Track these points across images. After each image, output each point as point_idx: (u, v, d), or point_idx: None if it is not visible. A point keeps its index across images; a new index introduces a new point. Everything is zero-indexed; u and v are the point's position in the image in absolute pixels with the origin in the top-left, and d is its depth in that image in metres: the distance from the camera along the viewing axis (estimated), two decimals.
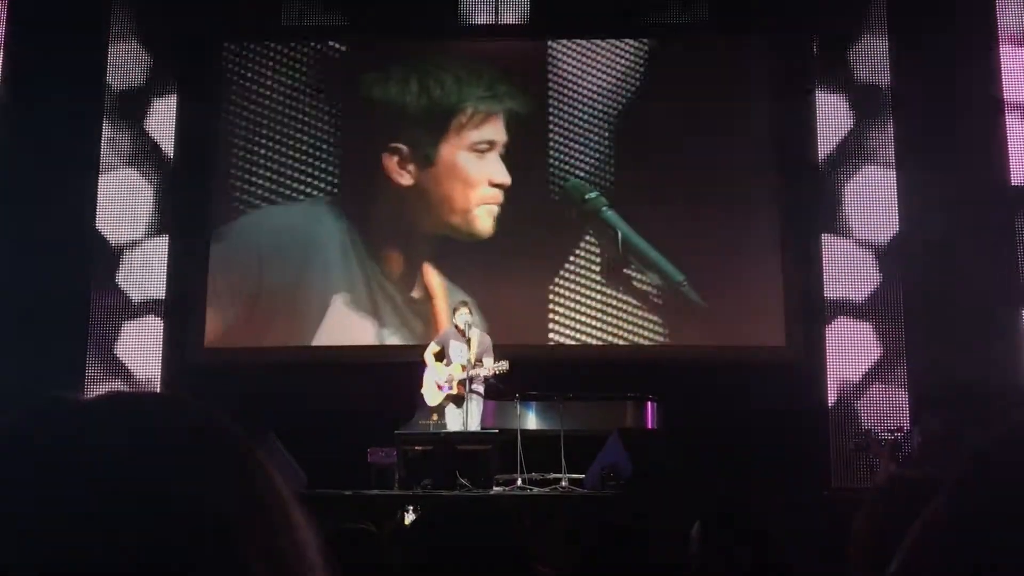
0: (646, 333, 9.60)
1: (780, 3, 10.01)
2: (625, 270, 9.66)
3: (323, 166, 9.94)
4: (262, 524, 0.61)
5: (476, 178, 9.76)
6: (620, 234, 9.64)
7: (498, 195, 9.72)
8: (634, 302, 9.63)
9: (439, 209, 9.74)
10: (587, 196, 9.71)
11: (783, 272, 9.64)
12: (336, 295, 9.63)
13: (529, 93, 9.95)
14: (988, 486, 0.70)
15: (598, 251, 9.72)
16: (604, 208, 9.69)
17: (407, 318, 9.61)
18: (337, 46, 10.18)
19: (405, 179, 9.78)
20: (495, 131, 9.86)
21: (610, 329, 9.65)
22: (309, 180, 9.92)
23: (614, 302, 9.65)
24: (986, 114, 9.33)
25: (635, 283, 9.64)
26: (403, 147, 9.81)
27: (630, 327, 9.62)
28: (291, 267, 9.66)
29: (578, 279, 9.72)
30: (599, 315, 9.65)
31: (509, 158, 9.80)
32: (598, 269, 9.70)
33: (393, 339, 9.58)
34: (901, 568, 0.76)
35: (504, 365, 7.90)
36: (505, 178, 9.72)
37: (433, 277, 9.65)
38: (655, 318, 9.61)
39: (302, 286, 9.64)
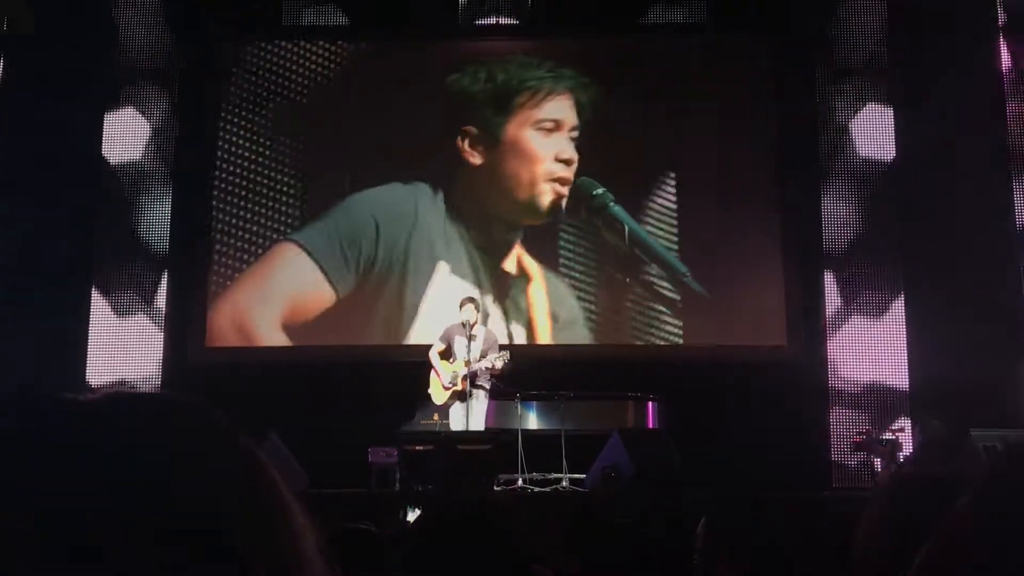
0: (648, 332, 9.59)
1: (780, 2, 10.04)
2: (624, 274, 9.67)
3: (408, 151, 9.98)
4: (262, 524, 0.61)
5: (541, 154, 9.83)
6: (627, 229, 9.66)
7: (567, 173, 9.75)
8: (637, 299, 9.63)
9: (508, 186, 9.84)
10: (595, 192, 9.74)
11: (785, 272, 9.63)
12: (440, 262, 9.74)
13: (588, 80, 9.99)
14: (1016, 487, 0.70)
15: (602, 245, 9.74)
16: (611, 204, 9.71)
17: (504, 292, 9.71)
18: (348, 46, 10.19)
19: (476, 159, 9.90)
20: (560, 110, 9.94)
21: (612, 328, 9.65)
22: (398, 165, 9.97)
23: (617, 300, 9.66)
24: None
25: (641, 278, 9.65)
26: (473, 129, 9.92)
27: (632, 326, 9.62)
28: (401, 236, 9.78)
29: (580, 277, 9.73)
30: (601, 313, 9.65)
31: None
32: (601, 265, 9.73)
33: (494, 308, 9.62)
34: (924, 568, 0.75)
35: (506, 356, 7.87)
36: (571, 154, 9.76)
37: (523, 257, 9.76)
38: (657, 316, 9.60)
39: (410, 253, 9.75)
